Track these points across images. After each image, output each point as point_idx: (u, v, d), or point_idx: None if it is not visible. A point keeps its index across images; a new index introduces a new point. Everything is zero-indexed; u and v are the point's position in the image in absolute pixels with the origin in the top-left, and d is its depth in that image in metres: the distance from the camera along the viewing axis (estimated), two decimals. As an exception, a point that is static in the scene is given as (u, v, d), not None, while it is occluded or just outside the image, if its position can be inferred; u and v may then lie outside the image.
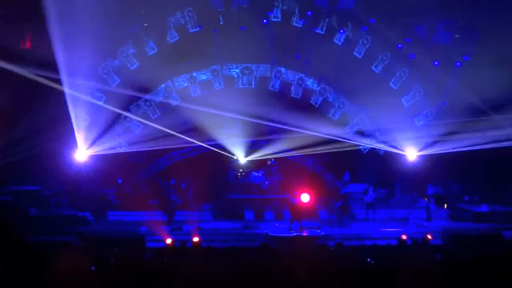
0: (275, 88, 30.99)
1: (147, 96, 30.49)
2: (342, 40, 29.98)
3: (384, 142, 31.24)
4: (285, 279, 13.06)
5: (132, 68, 29.56)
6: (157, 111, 30.55)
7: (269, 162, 32.76)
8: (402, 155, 31.49)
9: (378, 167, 33.81)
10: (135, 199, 30.51)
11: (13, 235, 22.59)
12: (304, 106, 31.07)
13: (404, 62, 30.24)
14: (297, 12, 29.66)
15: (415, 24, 30.63)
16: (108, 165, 31.25)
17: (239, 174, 32.88)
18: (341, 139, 30.86)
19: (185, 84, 30.78)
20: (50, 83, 27.02)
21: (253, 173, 32.70)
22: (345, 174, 31.61)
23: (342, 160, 32.68)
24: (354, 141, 31.26)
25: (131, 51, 29.53)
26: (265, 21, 29.96)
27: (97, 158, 30.51)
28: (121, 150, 30.69)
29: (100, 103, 29.58)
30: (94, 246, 21.57)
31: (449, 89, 30.10)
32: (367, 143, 31.54)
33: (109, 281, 13.24)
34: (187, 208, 30.40)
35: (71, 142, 29.54)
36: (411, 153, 31.28)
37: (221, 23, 29.71)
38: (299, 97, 31.01)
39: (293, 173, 33.08)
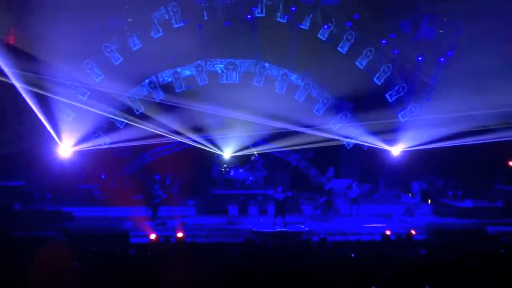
0: (259, 84, 30.88)
1: (131, 91, 30.37)
2: (326, 36, 29.95)
3: (368, 138, 31.26)
4: (269, 274, 13.09)
5: (116, 63, 29.40)
6: (141, 106, 30.45)
7: (253, 157, 32.78)
8: (386, 151, 31.54)
9: (362, 162, 33.95)
10: (119, 194, 30.46)
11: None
12: (288, 102, 30.98)
13: (388, 57, 30.29)
14: (281, 7, 29.59)
15: (399, 20, 30.72)
16: (92, 161, 31.18)
17: (223, 169, 32.83)
18: (325, 135, 30.87)
19: (169, 79, 30.74)
20: (34, 79, 26.96)
21: (237, 168, 32.70)
22: (329, 170, 31.64)
23: (326, 156, 32.79)
24: (338, 136, 31.27)
25: (115, 46, 29.36)
26: (249, 16, 29.90)
27: (81, 153, 30.46)
28: (105, 146, 30.60)
29: (84, 98, 29.43)
30: (79, 242, 21.55)
31: (433, 85, 30.16)
32: (351, 139, 31.55)
33: (93, 276, 13.22)
34: (171, 203, 30.47)
35: (56, 138, 29.46)
36: (395, 149, 31.34)
37: (206, 18, 29.60)
38: (283, 93, 30.90)
39: (277, 168, 33.15)
